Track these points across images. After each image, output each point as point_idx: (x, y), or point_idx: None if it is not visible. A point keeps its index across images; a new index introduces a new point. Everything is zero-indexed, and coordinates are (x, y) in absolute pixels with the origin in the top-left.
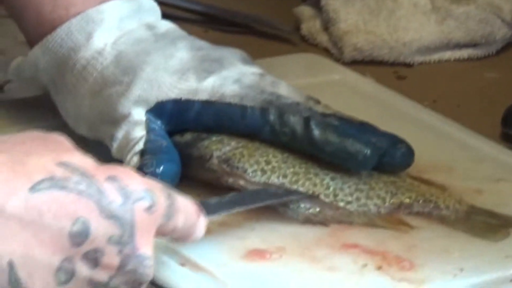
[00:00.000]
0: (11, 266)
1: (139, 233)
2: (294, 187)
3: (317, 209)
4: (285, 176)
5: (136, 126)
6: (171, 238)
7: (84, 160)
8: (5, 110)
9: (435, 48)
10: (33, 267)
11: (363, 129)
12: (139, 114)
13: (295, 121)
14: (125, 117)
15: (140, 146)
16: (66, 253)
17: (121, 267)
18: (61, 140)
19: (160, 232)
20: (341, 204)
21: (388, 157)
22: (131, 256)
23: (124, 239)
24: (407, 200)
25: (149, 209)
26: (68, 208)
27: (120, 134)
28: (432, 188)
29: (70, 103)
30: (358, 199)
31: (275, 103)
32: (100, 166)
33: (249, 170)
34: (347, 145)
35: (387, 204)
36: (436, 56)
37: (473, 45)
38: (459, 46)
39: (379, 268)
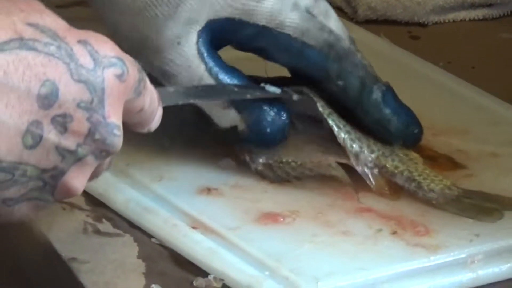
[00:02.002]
0: None
1: (109, 101)
2: None
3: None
4: None
5: (190, 57)
6: (132, 123)
7: (55, 21)
8: None
9: (450, 8)
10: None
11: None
12: (190, 42)
13: (353, 80)
14: (172, 44)
15: None
16: (34, 116)
17: (89, 135)
18: (32, 1)
19: (128, 110)
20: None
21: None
22: (100, 123)
23: (93, 105)
24: (392, 168)
25: (120, 76)
26: (36, 70)
27: (172, 68)
28: (428, 169)
29: (108, 17)
30: (351, 145)
31: (335, 48)
32: (73, 29)
33: None
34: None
35: (372, 158)
36: (450, 16)
37: (488, 5)
38: (474, 5)
39: (394, 233)
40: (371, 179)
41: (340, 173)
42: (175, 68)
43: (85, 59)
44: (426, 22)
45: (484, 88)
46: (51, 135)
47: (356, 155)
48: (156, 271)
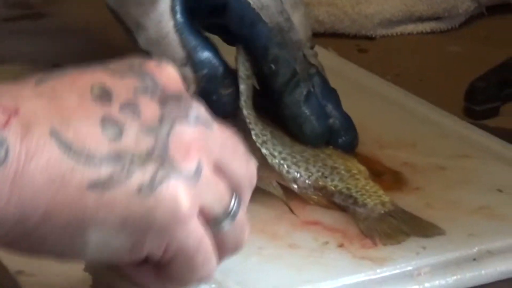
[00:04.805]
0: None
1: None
2: None
3: None
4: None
5: (163, 13)
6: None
7: None
8: None
9: (398, 21)
10: (77, 128)
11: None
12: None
13: (285, 70)
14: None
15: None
16: (101, 112)
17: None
18: None
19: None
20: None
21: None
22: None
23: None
24: (331, 188)
25: None
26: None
27: (145, 20)
28: (370, 183)
29: None
30: (287, 171)
31: (284, 35)
32: None
33: None
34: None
35: (311, 182)
36: (398, 29)
37: (436, 18)
38: (421, 19)
39: (341, 245)
40: (312, 200)
41: (278, 193)
42: (147, 21)
43: None
44: (373, 35)
45: (431, 101)
46: (128, 120)
47: (295, 180)
48: (103, 284)
